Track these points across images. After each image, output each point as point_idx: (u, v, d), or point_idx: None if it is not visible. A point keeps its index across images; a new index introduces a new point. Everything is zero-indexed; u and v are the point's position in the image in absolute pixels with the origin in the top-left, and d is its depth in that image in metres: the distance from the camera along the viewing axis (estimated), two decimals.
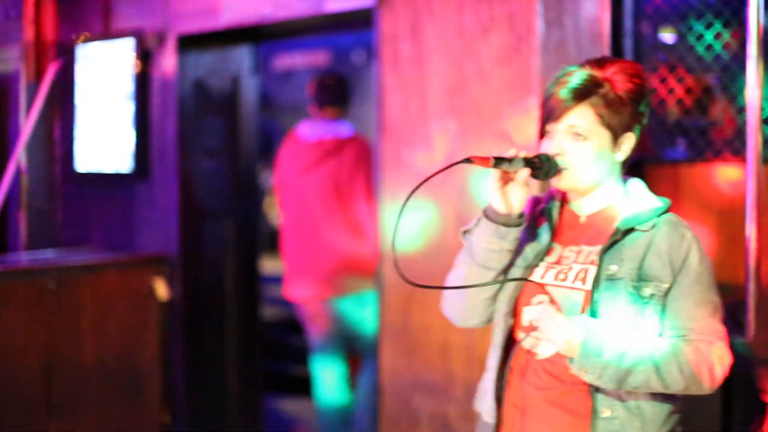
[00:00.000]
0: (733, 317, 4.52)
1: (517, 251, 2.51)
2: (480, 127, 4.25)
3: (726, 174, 5.66)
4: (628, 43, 6.04)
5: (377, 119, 4.59)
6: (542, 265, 2.49)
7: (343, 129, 5.69)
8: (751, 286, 4.15)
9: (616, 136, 2.44)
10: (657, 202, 2.51)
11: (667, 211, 2.50)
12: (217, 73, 5.78)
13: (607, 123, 2.41)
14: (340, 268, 5.57)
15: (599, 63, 2.47)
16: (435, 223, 4.41)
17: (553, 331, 2.32)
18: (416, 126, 4.46)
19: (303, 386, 7.56)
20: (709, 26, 4.75)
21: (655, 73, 6.31)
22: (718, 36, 5.70)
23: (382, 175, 4.59)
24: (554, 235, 2.54)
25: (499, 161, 2.37)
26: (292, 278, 5.75)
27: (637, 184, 2.57)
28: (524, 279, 2.47)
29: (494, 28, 4.19)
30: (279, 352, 8.16)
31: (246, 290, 6.00)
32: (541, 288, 2.46)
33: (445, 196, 4.39)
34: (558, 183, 2.46)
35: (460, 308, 2.56)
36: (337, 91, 5.71)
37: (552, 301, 2.42)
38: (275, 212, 7.50)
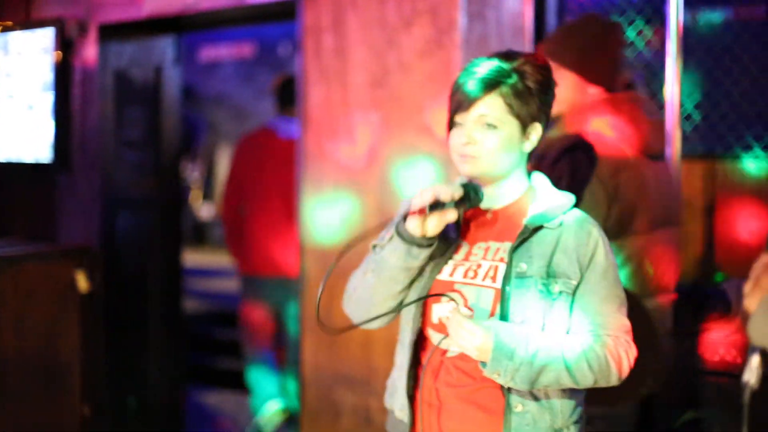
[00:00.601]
0: None
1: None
2: (402, 120, 4.26)
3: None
4: None
5: (300, 111, 4.57)
6: (450, 263, 2.49)
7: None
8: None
9: (524, 125, 2.45)
10: (563, 199, 2.52)
11: (572, 207, 2.52)
12: (140, 64, 5.72)
13: (516, 113, 2.43)
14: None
15: (507, 55, 2.49)
16: (357, 215, 4.41)
17: (464, 338, 2.33)
18: (338, 118, 4.45)
19: (227, 379, 7.53)
20: (631, 23, 4.79)
21: None
22: (640, 33, 5.76)
23: (304, 167, 4.57)
24: (461, 232, 2.54)
25: (432, 208, 2.38)
26: (265, 271, 5.79)
27: (541, 179, 2.59)
28: (431, 296, 2.47)
29: (417, 21, 4.19)
30: (203, 344, 8.12)
31: (169, 283, 5.95)
32: (451, 286, 2.46)
33: (366, 186, 4.38)
34: (467, 170, 2.46)
35: (363, 311, 2.56)
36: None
37: (464, 301, 2.43)
38: (200, 204, 7.46)
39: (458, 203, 2.39)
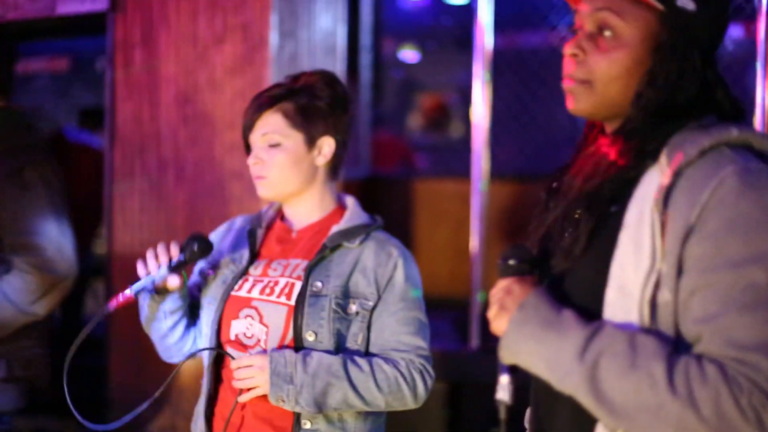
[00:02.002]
0: (460, 328, 4.67)
1: (217, 274, 2.55)
2: (211, 138, 4.22)
3: (458, 189, 5.84)
4: (365, 58, 6.15)
5: (108, 127, 4.48)
6: (250, 278, 2.50)
7: None
8: (476, 298, 4.30)
9: (311, 138, 2.48)
10: (368, 220, 2.55)
11: (377, 229, 2.54)
12: None
13: (299, 126, 2.46)
14: None
15: (295, 76, 2.55)
16: (165, 233, 4.35)
17: (244, 377, 2.36)
18: (148, 135, 4.38)
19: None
20: (446, 48, 4.90)
21: (393, 90, 6.46)
22: (454, 57, 5.89)
23: (113, 183, 4.47)
24: (261, 250, 2.57)
25: (141, 289, 2.46)
26: None
27: (351, 200, 2.61)
28: (217, 350, 2.51)
29: (228, 38, 4.17)
30: None
31: None
32: (248, 302, 2.46)
33: (175, 204, 4.33)
34: (261, 192, 2.49)
35: (163, 352, 2.67)
36: None
37: (260, 317, 2.44)
38: None
39: (175, 268, 2.44)
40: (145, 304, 2.52)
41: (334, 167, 2.56)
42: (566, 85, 1.67)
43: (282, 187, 2.47)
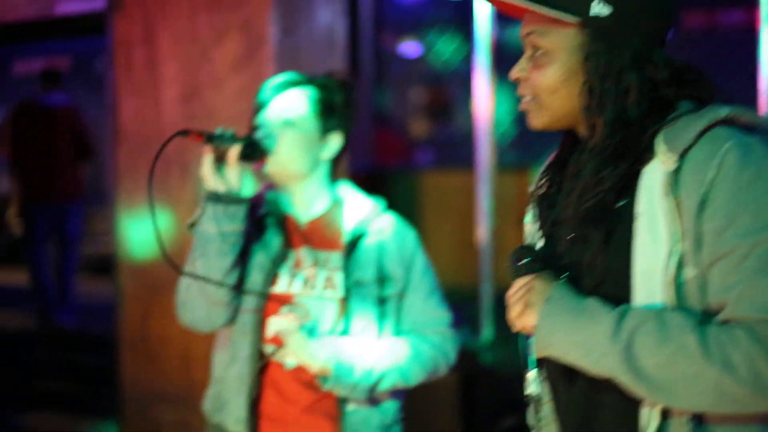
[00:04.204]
0: (469, 318, 4.67)
1: (251, 258, 2.49)
2: None
3: (462, 181, 5.83)
4: (366, 53, 6.13)
5: (112, 126, 4.49)
6: (284, 272, 2.48)
7: None
8: (484, 289, 4.30)
9: (325, 130, 2.50)
10: (376, 203, 2.59)
11: (385, 210, 2.59)
12: None
13: (317, 113, 2.48)
14: None
15: (313, 75, 2.56)
16: (172, 230, 4.35)
17: (306, 359, 2.36)
18: (151, 133, 4.38)
19: (47, 400, 7.31)
20: (446, 39, 4.88)
21: (394, 83, 6.44)
22: (455, 49, 5.87)
23: (117, 182, 4.48)
24: (285, 240, 2.54)
25: (210, 137, 2.35)
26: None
27: (347, 187, 2.64)
28: (275, 298, 2.44)
29: (229, 35, 4.17)
30: (23, 365, 7.87)
31: None
32: (290, 299, 2.46)
33: (180, 200, 4.33)
34: (266, 168, 2.46)
35: (203, 309, 2.46)
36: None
37: (305, 314, 2.44)
38: (16, 221, 7.29)
39: (238, 142, 2.37)
40: (215, 210, 2.37)
41: (333, 165, 2.58)
42: (521, 105, 1.76)
43: (288, 166, 2.46)
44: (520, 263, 1.69)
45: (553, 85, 1.68)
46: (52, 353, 8.04)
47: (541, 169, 1.87)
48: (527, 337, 1.67)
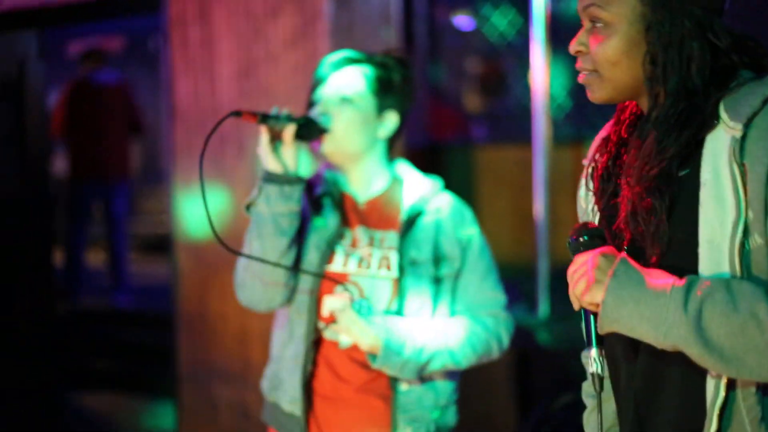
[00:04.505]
0: (525, 294, 4.64)
1: (307, 237, 2.48)
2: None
3: (519, 155, 5.79)
4: (420, 26, 6.10)
5: (167, 104, 4.50)
6: (339, 251, 2.48)
7: None
8: (542, 265, 4.27)
9: (381, 108, 2.49)
10: (433, 183, 2.57)
11: (442, 190, 2.58)
12: (2, 58, 5.54)
13: (374, 92, 2.47)
14: None
15: (371, 52, 2.57)
16: (228, 208, 4.36)
17: (356, 336, 2.36)
18: (207, 111, 4.39)
19: (106, 380, 7.39)
20: (501, 12, 4.83)
21: (449, 57, 6.40)
22: (510, 21, 5.82)
23: (174, 161, 4.49)
24: (341, 219, 2.53)
25: (265, 117, 2.35)
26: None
27: (405, 166, 2.63)
28: (330, 279, 2.43)
29: (283, 11, 4.15)
30: (81, 345, 7.95)
31: (39, 284, 5.79)
32: (345, 278, 2.46)
33: (236, 179, 4.34)
34: (322, 147, 2.46)
35: (260, 289, 2.47)
36: None
37: (360, 291, 2.45)
38: None
39: (294, 122, 2.37)
40: (271, 190, 2.38)
41: (390, 144, 2.56)
42: (580, 79, 1.75)
43: (345, 144, 2.45)
44: (579, 240, 1.68)
45: (615, 57, 1.67)
46: (108, 333, 8.11)
47: (594, 143, 1.87)
48: (588, 314, 1.65)
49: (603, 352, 1.67)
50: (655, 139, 1.65)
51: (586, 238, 1.67)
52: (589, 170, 1.85)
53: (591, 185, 1.84)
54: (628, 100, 1.77)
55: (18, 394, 5.66)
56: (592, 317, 1.65)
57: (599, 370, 1.66)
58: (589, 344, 1.67)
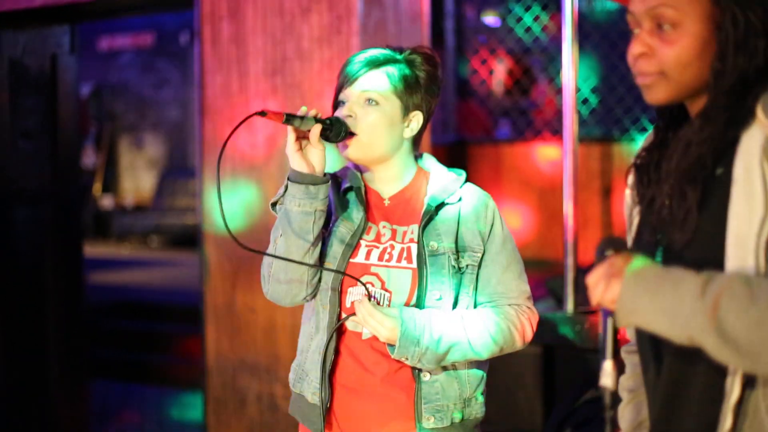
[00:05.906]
0: (552, 291, 4.65)
1: (332, 231, 2.51)
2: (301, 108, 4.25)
3: (546, 153, 5.81)
4: (449, 24, 6.13)
5: (197, 100, 4.53)
6: (363, 244, 2.51)
7: None
8: (569, 261, 4.27)
9: (407, 108, 2.49)
10: (457, 175, 2.59)
11: (465, 181, 2.59)
12: (35, 52, 5.60)
13: (400, 93, 2.47)
14: None
15: (398, 48, 2.56)
16: (256, 203, 4.39)
17: (373, 327, 2.37)
18: (237, 107, 4.42)
19: (133, 371, 7.46)
20: (528, 9, 4.84)
21: (476, 55, 6.42)
22: (536, 19, 5.83)
23: (202, 156, 4.53)
24: (366, 214, 2.56)
25: (290, 117, 2.37)
26: None
27: (430, 159, 2.65)
28: (350, 276, 2.46)
29: (314, 8, 4.18)
30: (107, 337, 8.02)
31: (68, 276, 5.84)
32: (367, 269, 2.48)
33: (266, 174, 4.37)
34: (348, 152, 2.48)
35: (284, 286, 2.50)
36: None
37: (382, 283, 2.46)
38: (101, 195, 7.42)
39: (320, 123, 2.37)
40: (297, 190, 2.40)
41: (415, 142, 2.58)
42: (641, 81, 1.74)
43: (371, 148, 2.47)
44: (604, 253, 1.68)
45: (689, 58, 1.68)
46: (137, 324, 8.19)
47: (643, 143, 1.89)
48: (606, 316, 1.66)
49: (616, 365, 1.66)
50: (697, 128, 1.67)
51: (611, 252, 1.67)
52: (634, 169, 1.87)
53: (635, 178, 1.87)
54: (682, 100, 1.78)
55: (47, 383, 5.72)
56: (609, 320, 1.66)
57: (610, 384, 1.66)
58: (604, 356, 1.67)
